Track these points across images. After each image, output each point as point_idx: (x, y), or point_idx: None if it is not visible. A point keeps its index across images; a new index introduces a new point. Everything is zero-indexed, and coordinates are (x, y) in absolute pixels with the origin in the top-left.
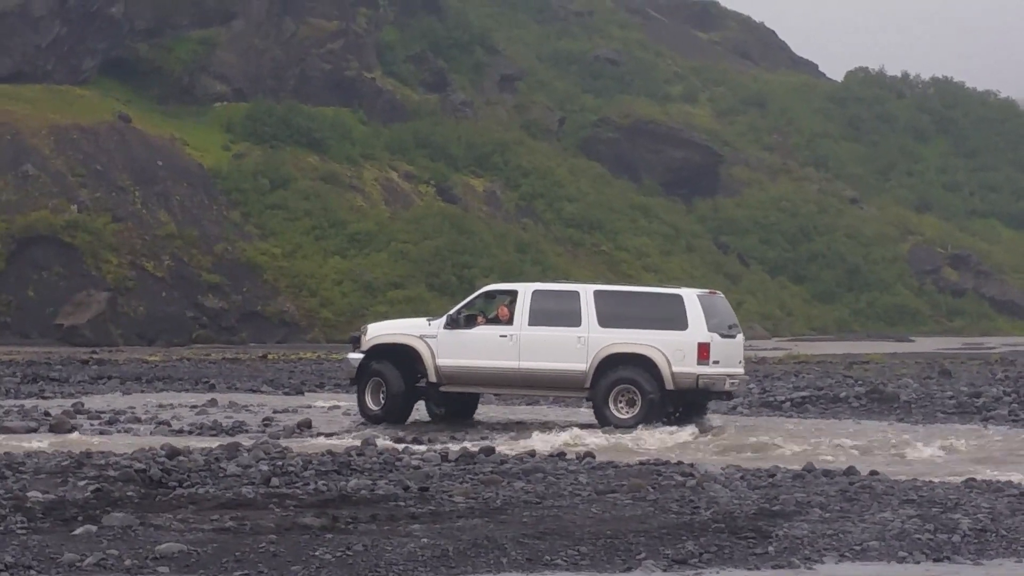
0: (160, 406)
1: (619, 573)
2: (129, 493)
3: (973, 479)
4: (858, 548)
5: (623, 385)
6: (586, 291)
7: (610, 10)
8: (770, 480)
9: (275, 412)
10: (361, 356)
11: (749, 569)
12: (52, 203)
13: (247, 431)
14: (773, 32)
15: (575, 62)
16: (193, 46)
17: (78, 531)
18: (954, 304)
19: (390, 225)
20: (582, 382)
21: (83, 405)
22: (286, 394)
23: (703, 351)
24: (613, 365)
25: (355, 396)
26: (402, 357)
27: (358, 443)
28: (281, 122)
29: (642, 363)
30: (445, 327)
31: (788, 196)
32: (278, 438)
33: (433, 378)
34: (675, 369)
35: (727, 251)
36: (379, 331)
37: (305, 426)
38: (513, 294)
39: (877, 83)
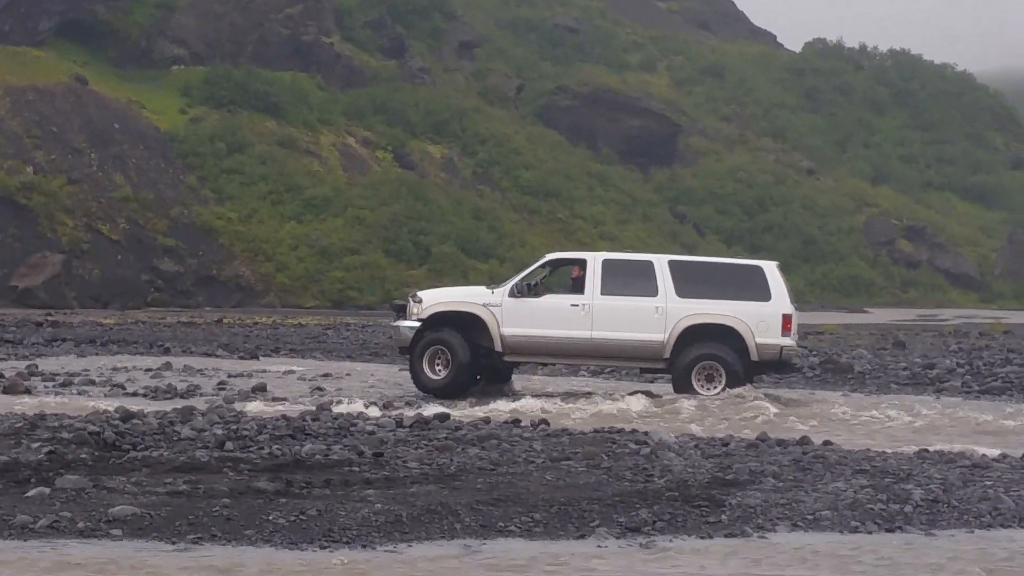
0: (115, 369)
1: (572, 540)
2: (83, 456)
3: (926, 450)
4: (811, 517)
5: (707, 361)
6: (660, 261)
7: None
8: (724, 449)
9: (230, 376)
10: (416, 324)
11: (702, 537)
12: (7, 164)
13: (202, 395)
14: (732, 2)
15: (534, 29)
16: (151, 9)
17: (31, 493)
18: (908, 276)
19: (347, 191)
20: (660, 353)
21: (37, 367)
22: (241, 358)
23: (787, 322)
24: (695, 336)
25: (312, 361)
26: (464, 326)
27: (313, 408)
28: (238, 87)
29: (726, 334)
30: (510, 295)
31: (745, 166)
32: (232, 402)
33: (498, 348)
34: (759, 340)
35: (683, 220)
36: (438, 299)
37: (260, 390)
38: (582, 263)
39: (835, 55)
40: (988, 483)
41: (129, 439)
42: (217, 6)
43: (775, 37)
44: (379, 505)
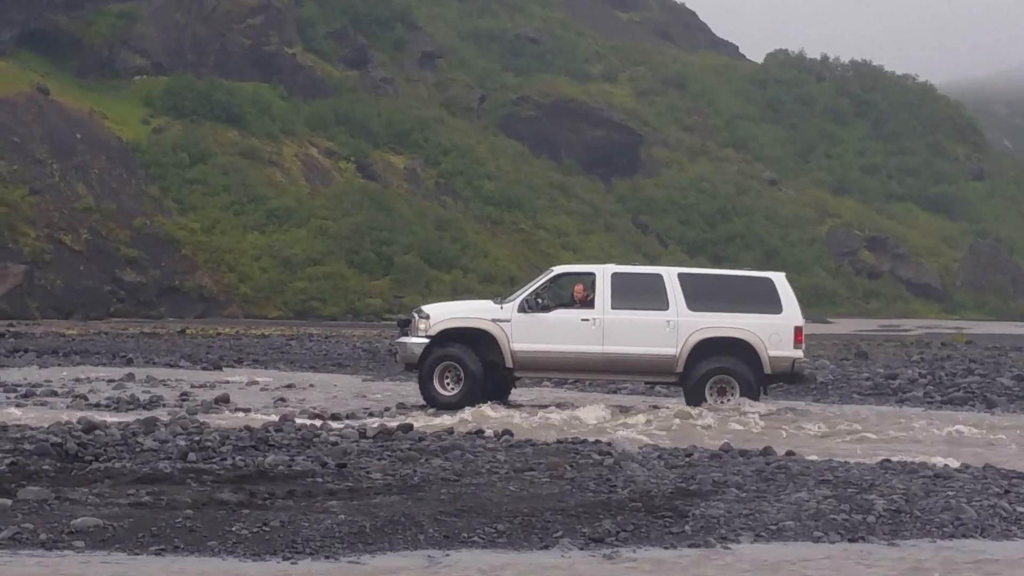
0: (77, 380)
1: (536, 551)
2: (45, 467)
3: (888, 460)
4: (774, 528)
5: (721, 375)
6: (670, 274)
7: None
8: (687, 460)
9: (193, 387)
10: (425, 341)
11: (665, 548)
12: None
13: (164, 406)
14: (694, 13)
15: (496, 40)
16: (113, 19)
17: None
18: (871, 286)
19: (310, 201)
20: (672, 367)
21: None
22: (204, 369)
23: (799, 334)
24: (707, 350)
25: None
26: (474, 341)
27: (276, 419)
28: (201, 97)
29: (739, 347)
30: (519, 311)
31: (707, 177)
32: (195, 413)
33: (508, 363)
34: (772, 353)
35: (646, 231)
36: (446, 314)
37: (223, 401)
38: (591, 277)
39: (797, 65)
40: (950, 493)
41: (92, 450)
42: (179, 16)
43: (737, 48)
44: (342, 516)
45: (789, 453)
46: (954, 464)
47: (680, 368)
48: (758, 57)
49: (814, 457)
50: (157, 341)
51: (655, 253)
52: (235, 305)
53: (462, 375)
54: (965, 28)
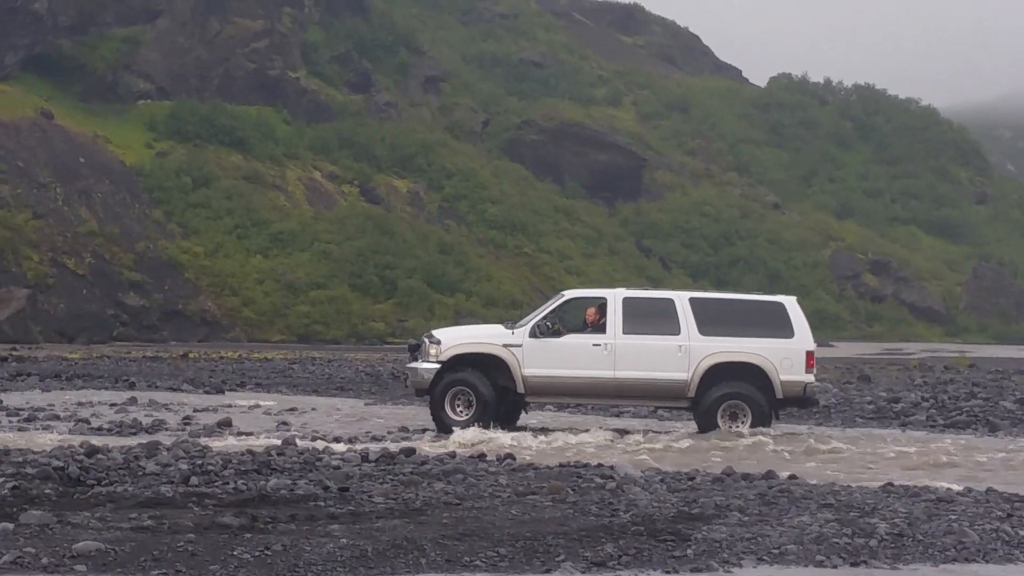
0: (79, 404)
1: (538, 575)
2: (47, 491)
3: (891, 484)
4: (776, 552)
5: (733, 400)
6: (681, 298)
7: (535, 13)
8: (689, 483)
9: (195, 411)
10: (436, 366)
11: (667, 572)
12: None
13: (167, 429)
14: (697, 37)
15: (500, 64)
16: (117, 44)
17: None
18: (874, 310)
19: (313, 225)
20: (684, 392)
21: (1, 402)
22: (206, 393)
23: (810, 359)
24: (719, 374)
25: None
26: (486, 366)
27: (278, 442)
28: (204, 121)
29: (751, 372)
30: (531, 336)
31: (710, 201)
32: (198, 437)
33: (520, 389)
34: (783, 378)
35: (649, 255)
36: (458, 339)
37: (225, 425)
38: (601, 301)
39: (800, 89)
40: (953, 517)
41: (94, 474)
42: (183, 41)
43: (740, 72)
44: (344, 540)
45: (791, 477)
46: (956, 488)
47: (692, 393)
48: (761, 81)
49: (815, 481)
50: (160, 365)
51: (658, 277)
52: (238, 329)
53: (473, 400)
54: (969, 52)
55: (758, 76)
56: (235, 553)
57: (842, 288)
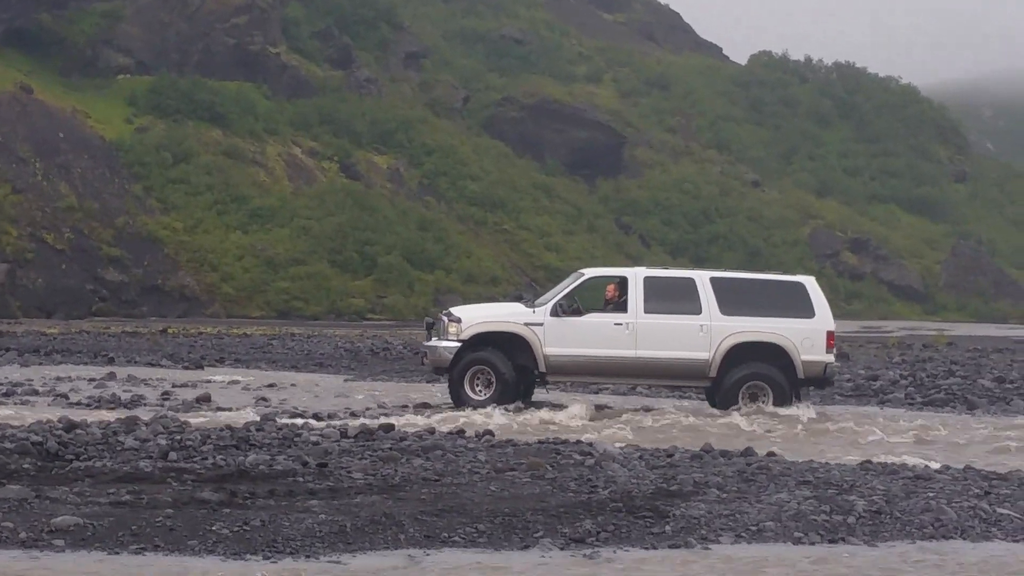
0: (58, 379)
1: (516, 551)
2: (25, 465)
3: (869, 461)
4: (754, 528)
5: (755, 380)
6: (702, 277)
7: None
8: (668, 460)
9: (174, 386)
10: (456, 344)
11: (646, 548)
12: None
13: (146, 405)
14: (678, 14)
15: (480, 40)
16: (97, 18)
17: None
18: (853, 288)
19: (293, 201)
20: (705, 371)
21: None
22: (185, 368)
23: (831, 339)
24: (741, 354)
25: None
26: (506, 345)
27: (257, 418)
28: (184, 96)
29: (773, 352)
30: (552, 314)
31: (690, 178)
32: (177, 412)
33: (541, 368)
34: (805, 358)
35: (629, 232)
36: (478, 318)
37: (204, 400)
38: (623, 280)
39: (780, 67)
40: (930, 494)
41: (72, 449)
42: (163, 15)
43: (721, 49)
44: (323, 516)
45: (770, 454)
46: (934, 465)
47: (713, 373)
48: (742, 59)
49: (795, 458)
50: (139, 340)
51: (638, 254)
52: (217, 304)
53: (493, 379)
54: (949, 30)
55: (739, 54)
56: (213, 528)
57: (821, 266)
